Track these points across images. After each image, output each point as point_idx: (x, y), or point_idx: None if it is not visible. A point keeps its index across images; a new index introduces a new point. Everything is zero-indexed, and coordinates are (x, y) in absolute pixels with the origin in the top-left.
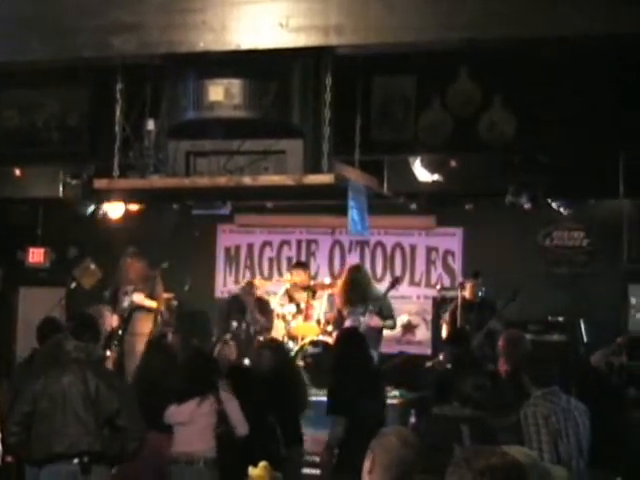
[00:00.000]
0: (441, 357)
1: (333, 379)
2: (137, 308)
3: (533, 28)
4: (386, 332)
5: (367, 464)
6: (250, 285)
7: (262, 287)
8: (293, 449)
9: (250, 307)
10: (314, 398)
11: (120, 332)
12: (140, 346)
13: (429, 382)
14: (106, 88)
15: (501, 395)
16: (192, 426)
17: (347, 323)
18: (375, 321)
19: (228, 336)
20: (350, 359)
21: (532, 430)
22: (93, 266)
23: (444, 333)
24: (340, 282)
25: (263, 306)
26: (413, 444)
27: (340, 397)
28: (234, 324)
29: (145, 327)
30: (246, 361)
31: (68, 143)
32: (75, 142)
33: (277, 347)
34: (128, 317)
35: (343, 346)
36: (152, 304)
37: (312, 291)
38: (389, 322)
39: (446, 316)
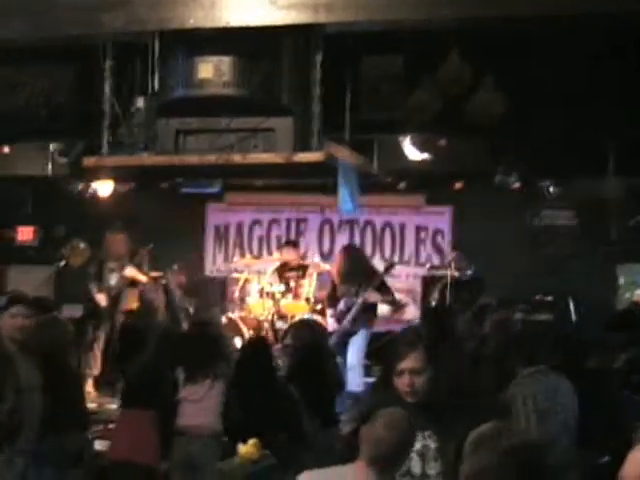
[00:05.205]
0: None
1: None
2: (126, 285)
3: (522, 7)
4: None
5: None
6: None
7: (252, 265)
8: (328, 431)
9: (178, 294)
10: None
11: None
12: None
13: None
14: (95, 65)
15: (484, 376)
16: (202, 403)
17: (341, 303)
18: (373, 296)
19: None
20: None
21: (520, 409)
22: (82, 245)
23: None
24: (337, 261)
25: (194, 288)
26: (398, 427)
27: None
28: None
29: (133, 304)
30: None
31: (56, 121)
32: (63, 120)
33: (315, 325)
34: (117, 295)
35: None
36: (143, 278)
37: (302, 270)
38: (388, 297)
39: (435, 294)
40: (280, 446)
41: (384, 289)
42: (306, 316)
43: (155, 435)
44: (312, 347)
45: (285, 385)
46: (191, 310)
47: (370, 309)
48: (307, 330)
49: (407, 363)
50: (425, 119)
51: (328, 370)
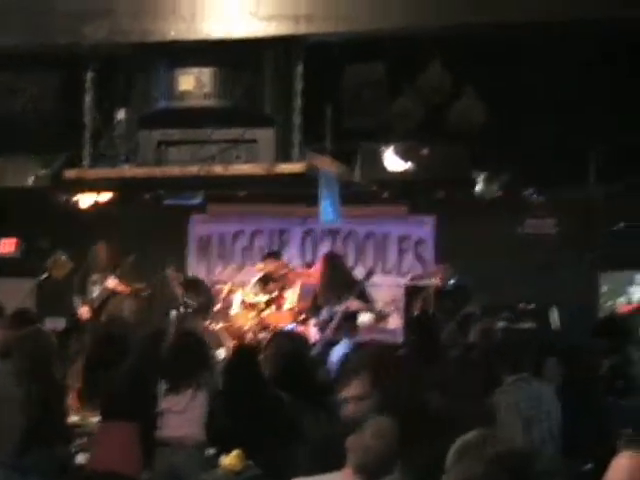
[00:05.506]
0: None
1: None
2: (110, 295)
3: (514, 13)
4: (360, 320)
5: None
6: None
7: (235, 277)
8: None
9: (180, 292)
10: None
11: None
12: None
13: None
14: (77, 77)
15: (470, 383)
16: (186, 414)
17: (323, 312)
18: (355, 304)
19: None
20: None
21: (503, 417)
22: (64, 257)
23: None
24: (317, 269)
25: (194, 286)
26: (386, 436)
27: None
28: (173, 313)
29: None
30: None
31: (39, 133)
32: (46, 132)
33: (295, 334)
34: (99, 307)
35: None
36: (125, 290)
37: (285, 280)
38: (370, 305)
39: (419, 304)
40: (269, 453)
41: (364, 297)
42: (289, 326)
43: (138, 446)
44: (294, 355)
45: (275, 390)
46: (194, 304)
47: (352, 318)
48: (288, 339)
49: (350, 391)
50: (409, 125)
51: (311, 378)
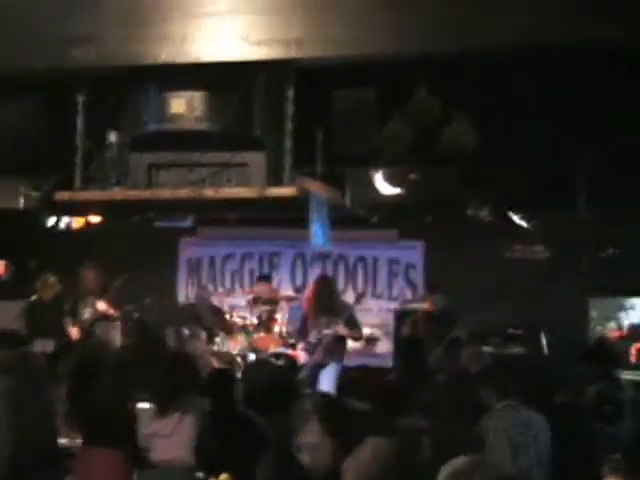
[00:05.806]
0: None
1: None
2: (100, 318)
3: (488, 40)
4: (349, 344)
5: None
6: (205, 290)
7: (225, 300)
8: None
9: (206, 312)
10: None
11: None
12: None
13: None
14: (68, 100)
15: (458, 408)
16: (174, 437)
17: (312, 335)
18: (342, 329)
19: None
20: None
21: (492, 442)
22: (52, 279)
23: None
24: (308, 292)
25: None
26: (386, 457)
27: None
28: (186, 332)
29: (110, 336)
30: None
31: (29, 155)
32: (36, 154)
33: (272, 363)
34: (90, 328)
35: None
36: (115, 312)
37: (275, 304)
38: (356, 332)
39: (406, 329)
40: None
41: (353, 323)
42: (279, 350)
43: (123, 474)
44: (279, 379)
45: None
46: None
47: (341, 341)
48: (273, 362)
49: (302, 438)
50: (400, 149)
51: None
